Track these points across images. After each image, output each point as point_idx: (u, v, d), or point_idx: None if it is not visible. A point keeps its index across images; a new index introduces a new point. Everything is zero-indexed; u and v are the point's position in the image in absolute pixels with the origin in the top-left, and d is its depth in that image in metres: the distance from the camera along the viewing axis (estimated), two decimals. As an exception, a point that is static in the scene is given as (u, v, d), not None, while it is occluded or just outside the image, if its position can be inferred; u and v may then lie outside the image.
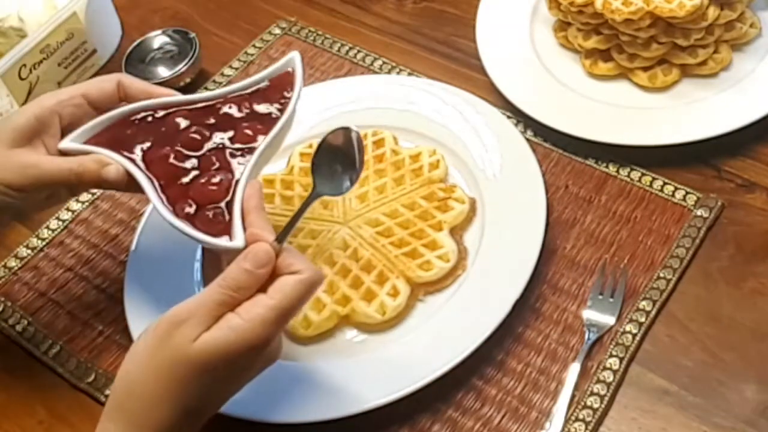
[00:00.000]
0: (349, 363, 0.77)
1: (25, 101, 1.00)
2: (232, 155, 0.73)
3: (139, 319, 0.81)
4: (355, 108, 0.95)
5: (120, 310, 0.83)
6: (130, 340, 0.81)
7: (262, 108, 0.76)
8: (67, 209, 0.95)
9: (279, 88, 0.77)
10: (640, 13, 0.87)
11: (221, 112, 0.76)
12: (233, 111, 0.76)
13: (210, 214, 0.69)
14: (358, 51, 1.05)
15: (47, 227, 0.94)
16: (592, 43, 0.93)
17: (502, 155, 0.87)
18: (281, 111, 0.76)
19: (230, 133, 0.74)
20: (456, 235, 0.83)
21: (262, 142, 0.73)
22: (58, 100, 0.75)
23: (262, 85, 0.77)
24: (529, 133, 0.93)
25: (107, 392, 0.80)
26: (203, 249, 0.85)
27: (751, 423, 0.71)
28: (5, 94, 0.98)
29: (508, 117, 0.92)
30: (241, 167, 0.72)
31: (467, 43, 1.02)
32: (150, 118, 0.76)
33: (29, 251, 0.93)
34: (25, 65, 0.98)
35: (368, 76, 1.01)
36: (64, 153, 0.74)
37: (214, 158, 0.73)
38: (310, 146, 0.91)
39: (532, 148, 0.87)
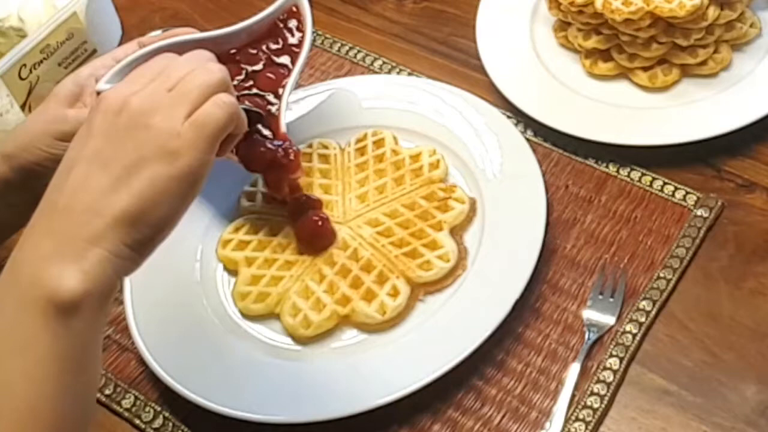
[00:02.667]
0: (349, 363, 0.77)
1: (25, 101, 1.00)
2: (261, 96, 0.78)
3: (139, 319, 0.81)
4: (356, 108, 0.95)
5: (120, 310, 0.83)
6: (130, 340, 0.81)
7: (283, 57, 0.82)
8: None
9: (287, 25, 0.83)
10: (640, 13, 0.87)
11: (249, 54, 0.80)
12: (258, 56, 0.80)
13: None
14: (358, 51, 1.05)
15: (47, 227, 0.94)
16: (592, 43, 0.93)
17: (502, 155, 0.87)
18: (298, 48, 0.81)
19: (259, 73, 0.79)
20: (456, 235, 0.83)
21: (287, 83, 0.79)
22: (94, 67, 0.78)
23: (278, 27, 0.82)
24: (529, 133, 0.93)
25: (107, 392, 0.81)
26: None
27: (751, 423, 0.71)
28: (5, 94, 0.98)
29: (508, 117, 0.92)
30: (274, 106, 0.78)
31: (467, 43, 1.02)
32: None
33: (29, 251, 0.93)
34: (25, 65, 0.98)
35: (368, 76, 1.01)
36: None
37: (247, 101, 0.78)
38: (310, 146, 0.91)
39: (532, 148, 0.87)
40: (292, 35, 0.82)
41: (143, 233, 0.57)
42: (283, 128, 0.77)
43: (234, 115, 0.61)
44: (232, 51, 0.80)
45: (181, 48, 0.79)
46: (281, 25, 0.82)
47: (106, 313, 0.57)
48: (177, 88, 0.60)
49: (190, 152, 0.58)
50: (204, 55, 0.65)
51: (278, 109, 0.78)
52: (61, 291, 0.53)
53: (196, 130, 0.59)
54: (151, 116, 0.58)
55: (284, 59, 0.81)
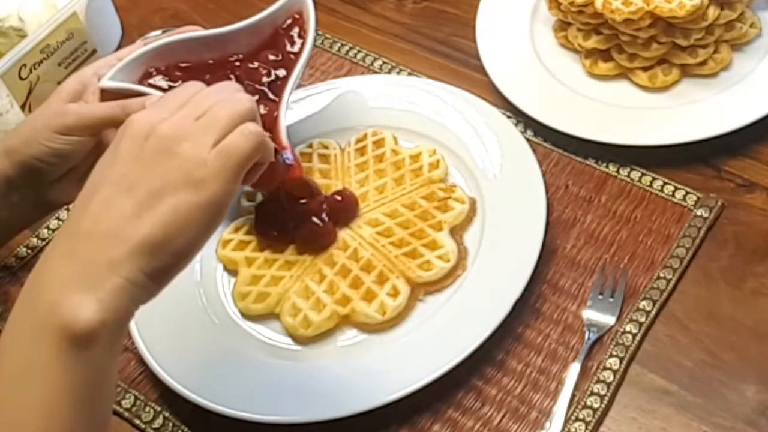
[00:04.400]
0: (349, 363, 0.77)
1: (25, 101, 1.00)
2: (265, 96, 0.78)
3: (139, 319, 0.81)
4: (355, 108, 0.95)
5: (120, 310, 0.83)
6: (130, 340, 0.81)
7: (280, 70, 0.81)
8: (67, 209, 0.95)
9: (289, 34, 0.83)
10: (640, 12, 0.87)
11: (250, 69, 0.80)
12: (259, 71, 0.80)
13: None
14: (358, 51, 1.05)
15: (47, 227, 0.94)
16: (592, 43, 0.93)
17: (502, 155, 0.87)
18: (296, 56, 0.81)
19: (262, 77, 0.80)
20: (456, 235, 0.83)
21: (286, 89, 0.79)
22: (97, 66, 0.78)
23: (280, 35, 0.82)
24: (529, 133, 0.93)
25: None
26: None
27: (751, 423, 0.71)
28: (5, 94, 0.98)
29: (508, 117, 0.92)
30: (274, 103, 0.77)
31: (467, 43, 1.02)
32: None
33: (29, 251, 0.93)
34: (25, 65, 0.98)
35: (368, 76, 1.01)
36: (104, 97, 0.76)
37: None
38: (310, 146, 0.91)
39: (532, 148, 0.87)
40: (293, 44, 0.82)
41: (163, 261, 0.56)
42: (284, 139, 0.77)
43: (260, 145, 0.60)
44: (236, 63, 0.80)
45: (184, 45, 0.79)
46: (282, 33, 0.82)
47: (121, 342, 0.57)
48: (205, 116, 0.60)
49: (216, 181, 0.57)
50: (232, 86, 0.65)
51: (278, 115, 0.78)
52: (77, 322, 0.53)
53: (222, 159, 0.58)
54: (178, 143, 0.58)
55: (281, 72, 0.81)
